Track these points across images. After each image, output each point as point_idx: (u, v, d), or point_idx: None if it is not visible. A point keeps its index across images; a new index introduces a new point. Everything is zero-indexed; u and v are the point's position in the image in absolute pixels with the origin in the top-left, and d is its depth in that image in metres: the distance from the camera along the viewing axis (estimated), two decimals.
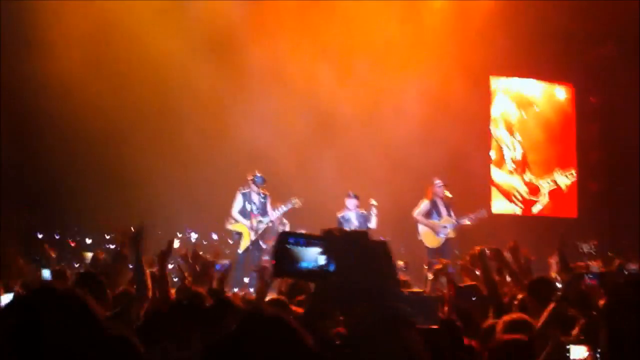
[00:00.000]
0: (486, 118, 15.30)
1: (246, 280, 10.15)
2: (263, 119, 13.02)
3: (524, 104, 14.91)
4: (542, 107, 15.09)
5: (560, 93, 15.59)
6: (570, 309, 4.34)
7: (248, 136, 12.66)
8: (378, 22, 13.76)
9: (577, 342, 3.08)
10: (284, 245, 2.15)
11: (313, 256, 2.11)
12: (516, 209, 14.56)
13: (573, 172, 14.97)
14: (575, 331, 3.40)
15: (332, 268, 2.10)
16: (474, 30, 13.90)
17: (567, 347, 3.00)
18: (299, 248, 2.12)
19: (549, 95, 15.33)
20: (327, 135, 13.35)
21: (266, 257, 11.50)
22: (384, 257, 2.15)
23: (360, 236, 2.22)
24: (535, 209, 14.67)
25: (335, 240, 2.15)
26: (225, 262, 6.20)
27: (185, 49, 12.49)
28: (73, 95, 11.31)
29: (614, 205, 14.64)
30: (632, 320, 1.85)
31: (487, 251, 6.14)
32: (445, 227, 10.87)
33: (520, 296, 5.32)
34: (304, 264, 2.11)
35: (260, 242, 10.67)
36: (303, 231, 2.58)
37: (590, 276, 4.64)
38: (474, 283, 5.49)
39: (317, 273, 2.11)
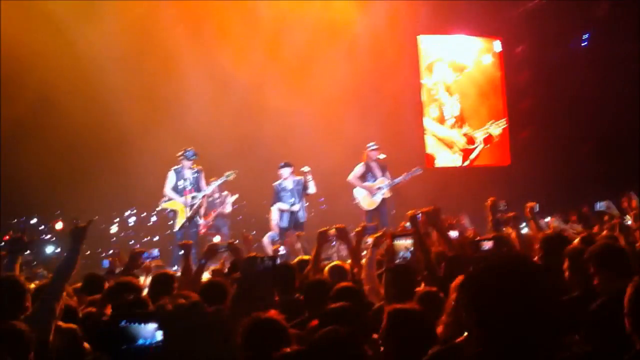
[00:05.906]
0: (416, 76, 14.96)
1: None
2: (195, 100, 12.37)
3: (458, 68, 15.41)
4: (474, 68, 15.55)
5: (489, 49, 15.67)
6: None
7: (182, 119, 12.03)
8: None
9: None
10: (118, 326, 2.11)
11: (150, 333, 2.05)
12: (457, 159, 15.17)
13: (504, 121, 15.56)
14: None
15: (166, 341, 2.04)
16: None
17: None
18: (135, 326, 2.05)
19: (479, 56, 15.66)
20: (260, 106, 12.75)
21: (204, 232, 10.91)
22: (217, 326, 2.16)
23: (193, 308, 2.17)
24: (473, 156, 15.32)
25: (168, 315, 2.09)
26: (154, 250, 5.69)
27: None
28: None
29: (543, 152, 14.62)
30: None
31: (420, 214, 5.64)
32: (380, 188, 10.40)
33: None
34: (140, 342, 2.03)
35: (197, 218, 9.95)
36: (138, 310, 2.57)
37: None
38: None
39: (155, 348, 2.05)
